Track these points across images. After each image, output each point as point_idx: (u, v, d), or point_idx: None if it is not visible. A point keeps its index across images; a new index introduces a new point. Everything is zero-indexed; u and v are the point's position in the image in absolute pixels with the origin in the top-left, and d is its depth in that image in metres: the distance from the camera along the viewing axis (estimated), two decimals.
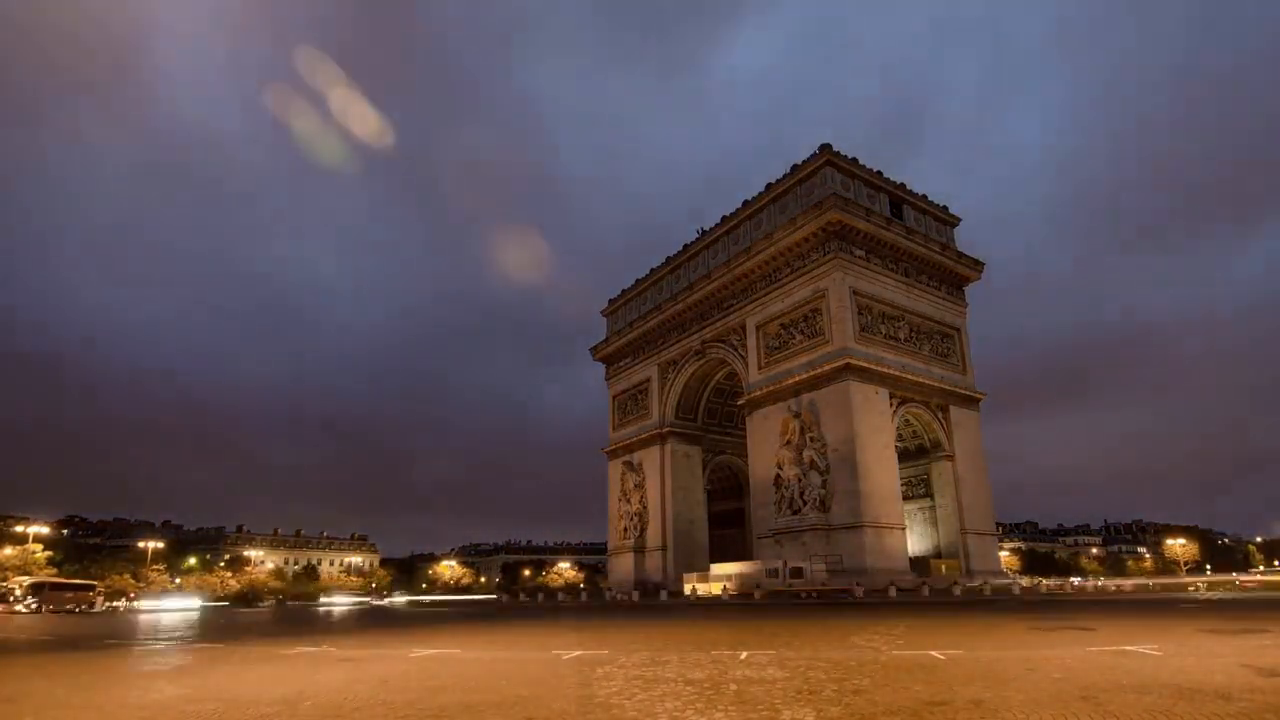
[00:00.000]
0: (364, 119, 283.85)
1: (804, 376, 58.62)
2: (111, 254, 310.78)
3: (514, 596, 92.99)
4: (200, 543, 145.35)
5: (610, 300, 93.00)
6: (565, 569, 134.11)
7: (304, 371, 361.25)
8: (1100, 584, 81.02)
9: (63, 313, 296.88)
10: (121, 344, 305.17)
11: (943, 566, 57.13)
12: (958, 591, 50.91)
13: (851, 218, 59.11)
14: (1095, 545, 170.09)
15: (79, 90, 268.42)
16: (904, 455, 60.18)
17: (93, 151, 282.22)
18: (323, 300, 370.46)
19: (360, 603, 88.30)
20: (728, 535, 78.44)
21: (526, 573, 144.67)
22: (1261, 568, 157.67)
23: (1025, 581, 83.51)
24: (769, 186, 66.84)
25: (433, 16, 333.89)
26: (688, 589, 59.78)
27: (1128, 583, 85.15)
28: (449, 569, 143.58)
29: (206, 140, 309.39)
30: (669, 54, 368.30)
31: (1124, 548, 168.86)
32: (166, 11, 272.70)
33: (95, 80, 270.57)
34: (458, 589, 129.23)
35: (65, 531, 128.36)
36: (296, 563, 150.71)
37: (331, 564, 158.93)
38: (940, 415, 61.84)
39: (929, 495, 62.31)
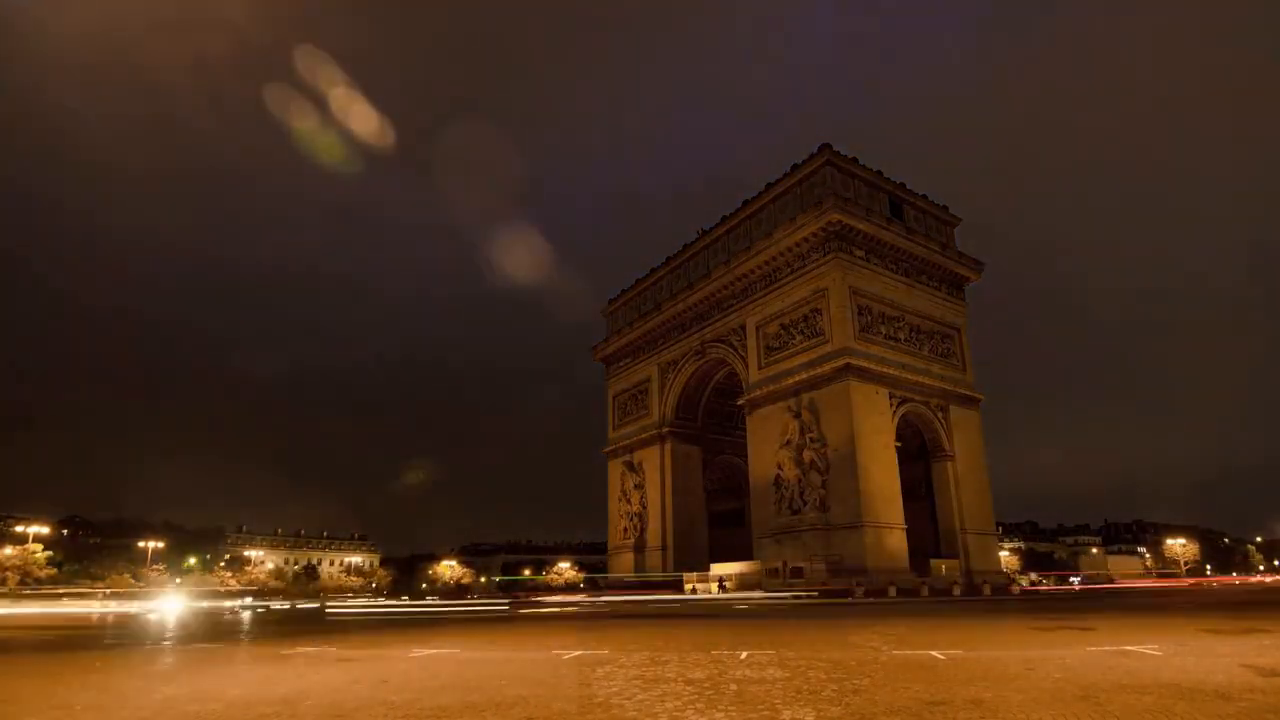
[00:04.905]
0: (365, 118, 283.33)
1: (804, 376, 58.61)
2: (116, 255, 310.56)
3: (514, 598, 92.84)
4: (200, 543, 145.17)
5: (610, 300, 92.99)
6: (565, 569, 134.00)
7: (304, 371, 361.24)
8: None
9: (63, 312, 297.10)
10: (121, 342, 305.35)
11: (943, 566, 57.10)
12: (957, 592, 50.99)
13: (852, 218, 59.08)
14: (1095, 545, 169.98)
15: None
16: (904, 455, 60.15)
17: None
18: (323, 297, 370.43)
19: None
20: (728, 535, 78.37)
21: (527, 572, 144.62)
22: (1262, 568, 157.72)
23: (1025, 581, 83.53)
24: (769, 186, 66.81)
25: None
26: (688, 589, 59.78)
27: None
28: (449, 569, 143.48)
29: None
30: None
31: (1124, 547, 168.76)
32: None
33: None
34: (458, 589, 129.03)
35: (65, 531, 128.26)
36: (296, 563, 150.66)
37: (332, 564, 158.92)
38: (940, 415, 61.83)
39: (929, 495, 62.26)
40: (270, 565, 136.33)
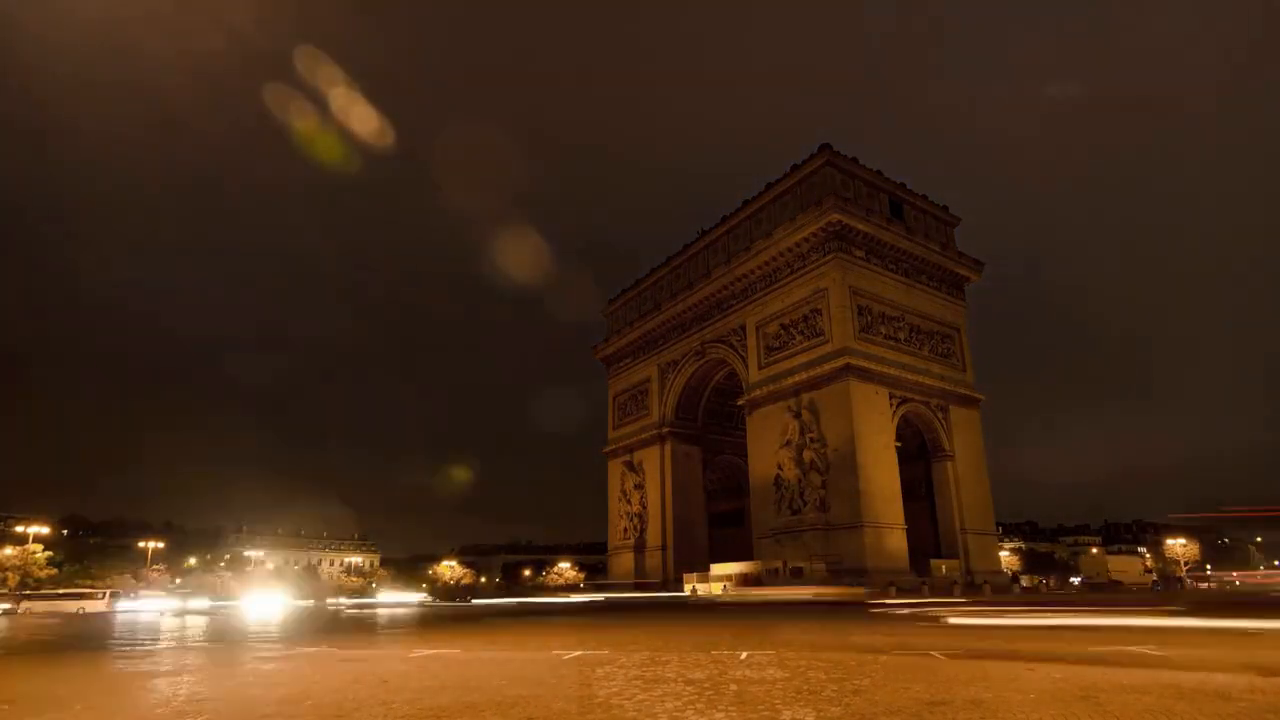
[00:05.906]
0: (363, 120, 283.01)
1: (804, 376, 58.60)
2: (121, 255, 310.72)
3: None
4: (200, 543, 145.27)
5: (610, 300, 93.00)
6: (565, 569, 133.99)
7: (304, 372, 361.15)
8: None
9: (63, 312, 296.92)
10: (120, 344, 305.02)
11: (943, 566, 57.09)
12: (957, 592, 50.96)
13: (852, 218, 59.09)
14: (1095, 545, 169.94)
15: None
16: (904, 455, 60.19)
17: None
18: (321, 299, 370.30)
19: None
20: (728, 535, 78.39)
21: (527, 572, 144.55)
22: (1262, 568, 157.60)
23: (1025, 581, 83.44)
24: (769, 186, 66.81)
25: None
26: (688, 588, 59.75)
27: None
28: (449, 569, 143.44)
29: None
30: None
31: (1124, 547, 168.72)
32: None
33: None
34: (459, 590, 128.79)
35: (65, 531, 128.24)
36: (297, 562, 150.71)
37: (332, 564, 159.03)
38: (940, 415, 61.81)
39: (929, 495, 62.25)
40: (270, 565, 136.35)
